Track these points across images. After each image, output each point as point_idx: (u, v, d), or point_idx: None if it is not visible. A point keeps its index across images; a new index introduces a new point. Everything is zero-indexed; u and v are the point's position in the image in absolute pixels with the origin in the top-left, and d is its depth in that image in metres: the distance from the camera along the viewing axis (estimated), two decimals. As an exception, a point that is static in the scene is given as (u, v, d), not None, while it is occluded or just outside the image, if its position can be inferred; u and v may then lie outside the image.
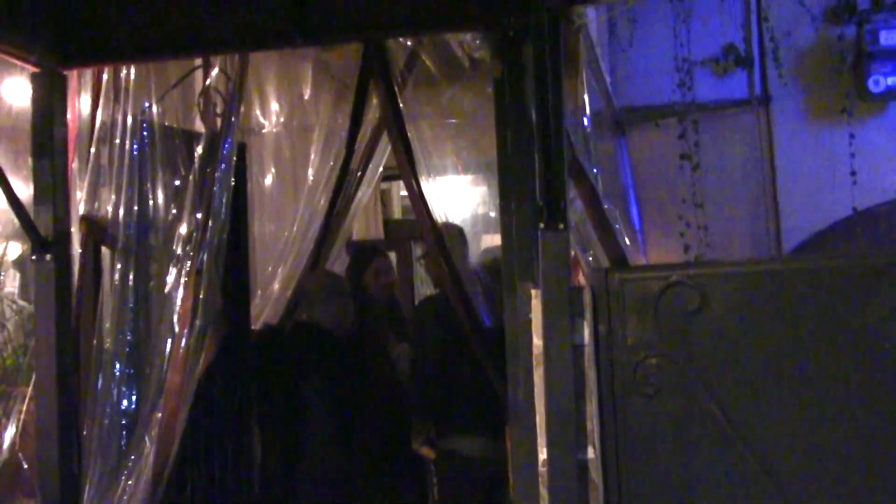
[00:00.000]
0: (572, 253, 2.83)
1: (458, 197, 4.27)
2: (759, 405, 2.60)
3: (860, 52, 4.47)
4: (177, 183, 3.31)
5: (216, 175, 3.24)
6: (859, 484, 2.50)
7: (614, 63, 4.32)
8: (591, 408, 2.69)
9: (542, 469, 2.68)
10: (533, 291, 2.71)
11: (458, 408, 4.11)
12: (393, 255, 6.41)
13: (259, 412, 4.00)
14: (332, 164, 4.28)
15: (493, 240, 4.97)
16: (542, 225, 2.61)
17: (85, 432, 3.12)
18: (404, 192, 6.71)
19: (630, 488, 2.65)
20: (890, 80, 4.48)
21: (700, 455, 2.62)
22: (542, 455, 2.67)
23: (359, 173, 4.23)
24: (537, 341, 2.69)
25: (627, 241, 3.21)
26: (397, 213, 6.99)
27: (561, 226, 2.59)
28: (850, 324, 2.58)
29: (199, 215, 3.20)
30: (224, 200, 3.25)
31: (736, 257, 4.42)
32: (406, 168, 3.85)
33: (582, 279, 3.09)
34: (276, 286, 4.21)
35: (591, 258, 3.04)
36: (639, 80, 4.54)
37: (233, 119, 3.36)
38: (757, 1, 4.62)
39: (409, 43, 4.08)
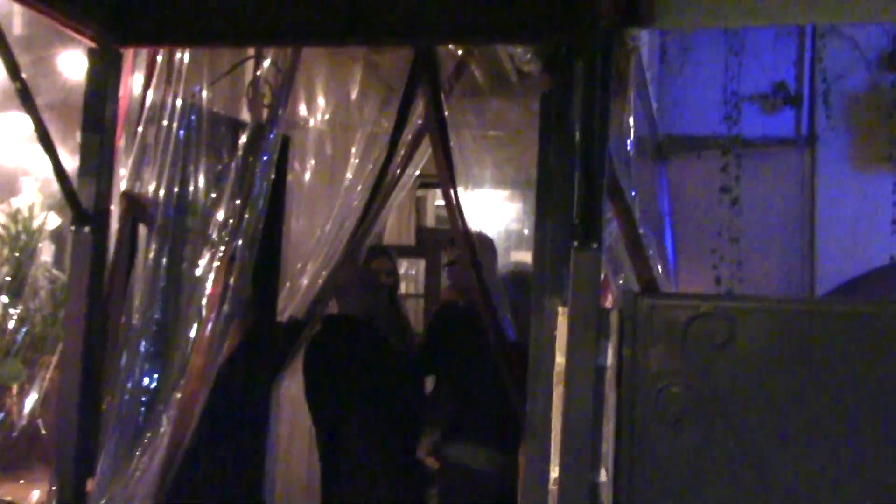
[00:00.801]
0: (603, 274, 2.82)
1: (492, 210, 4.27)
2: (779, 446, 2.57)
3: (909, 99, 4.44)
4: (219, 169, 3.35)
5: (258, 165, 3.28)
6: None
7: (662, 89, 4.30)
8: (608, 431, 2.67)
9: (552, 487, 2.66)
10: (560, 309, 2.70)
11: (472, 420, 4.11)
12: (422, 263, 6.45)
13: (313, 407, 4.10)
14: (371, 166, 4.31)
15: (523, 257, 4.97)
16: (575, 243, 2.60)
17: (105, 406, 3.14)
18: (439, 202, 6.77)
19: (640, 515, 2.62)
20: (936, 131, 4.44)
21: (714, 490, 2.59)
22: (554, 474, 2.66)
23: (397, 175, 4.24)
24: (560, 359, 2.68)
25: (660, 268, 3.20)
26: (431, 222, 7.01)
27: (595, 245, 2.59)
28: (880, 372, 2.54)
29: (237, 203, 3.23)
30: (263, 191, 3.28)
31: (767, 295, 4.37)
32: (445, 175, 3.87)
33: (610, 301, 3.08)
34: (305, 281, 4.23)
35: (621, 281, 3.03)
36: (686, 109, 4.52)
37: (280, 111, 3.39)
38: (812, 41, 4.59)
39: (458, 52, 4.11)
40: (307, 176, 4.60)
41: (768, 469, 2.56)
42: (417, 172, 4.36)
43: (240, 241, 3.21)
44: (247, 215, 3.23)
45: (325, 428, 4.20)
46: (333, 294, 4.21)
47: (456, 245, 4.21)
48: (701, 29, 4.36)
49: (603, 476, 2.65)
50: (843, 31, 4.45)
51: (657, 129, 4.14)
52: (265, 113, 3.64)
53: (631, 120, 3.01)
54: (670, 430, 2.62)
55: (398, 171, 4.22)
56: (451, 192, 3.85)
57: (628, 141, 2.99)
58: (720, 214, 4.43)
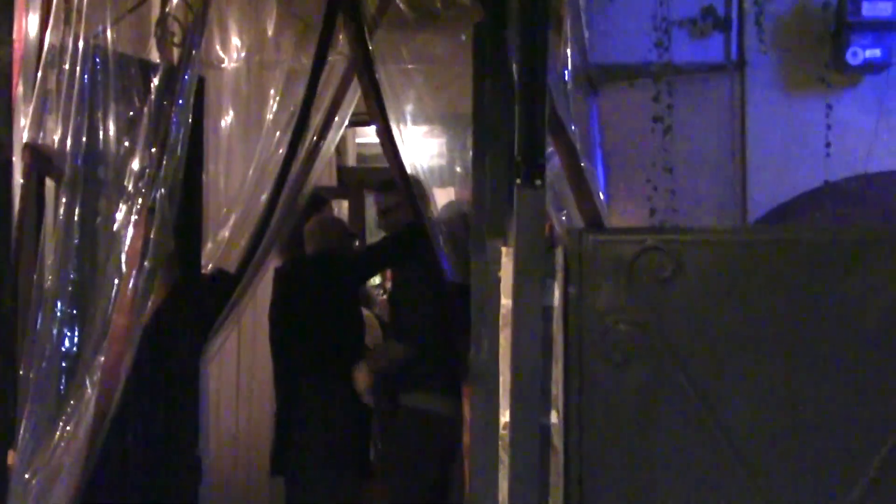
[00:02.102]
0: (546, 211, 2.73)
1: (416, 146, 4.14)
2: (728, 378, 2.55)
3: (841, 21, 4.41)
4: (130, 115, 3.12)
5: (174, 109, 3.06)
6: (825, 461, 2.47)
7: (591, 17, 4.18)
8: (557, 372, 2.62)
9: (503, 432, 2.60)
10: (503, 249, 2.61)
11: (426, 364, 4.05)
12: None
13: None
14: (293, 108, 4.10)
15: (447, 193, 4.87)
16: (518, 181, 2.49)
17: (21, 374, 2.95)
18: (360, 140, 6.61)
19: (591, 455, 2.59)
20: (868, 53, 4.43)
21: (665, 425, 2.56)
22: (504, 418, 2.60)
23: (327, 119, 4.05)
24: (506, 301, 2.59)
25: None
26: (352, 161, 6.87)
27: (538, 182, 2.49)
28: (826, 298, 2.53)
29: (153, 150, 3.02)
30: (181, 137, 3.07)
31: (702, 223, 4.37)
32: (377, 113, 3.71)
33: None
34: (227, 233, 4.05)
35: (563, 218, 2.95)
36: (615, 38, 4.42)
37: (194, 51, 3.16)
38: (739, -38, 4.53)
39: (380, -18, 3.92)
40: (224, 119, 4.37)
41: (716, 402, 2.54)
42: (350, 112, 4.18)
43: (159, 192, 3.01)
44: (165, 164, 3.02)
45: (282, 366, 4.25)
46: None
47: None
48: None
49: (554, 418, 2.60)
50: (770, -49, 4.39)
51: (588, 59, 4.03)
52: (176, 53, 3.41)
53: (568, 51, 2.89)
54: (619, 368, 2.58)
55: (326, 114, 4.02)
56: (384, 130, 3.69)
57: (566, 72, 2.87)
58: (653, 144, 4.37)
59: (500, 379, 2.61)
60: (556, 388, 2.60)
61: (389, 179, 4.19)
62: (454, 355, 3.85)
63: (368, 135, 5.81)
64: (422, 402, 4.05)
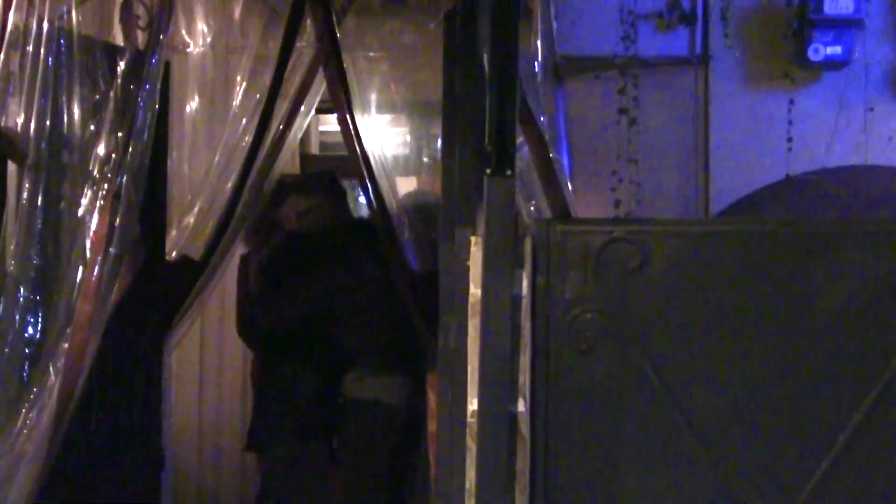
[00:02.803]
0: (515, 201, 2.74)
1: (379, 134, 4.13)
2: (692, 367, 2.59)
3: (803, 19, 4.49)
4: (96, 99, 3.07)
5: (140, 94, 3.03)
6: (788, 447, 2.52)
7: (558, 8, 4.21)
8: (525, 361, 2.64)
9: (470, 420, 2.62)
10: (473, 238, 2.62)
11: (375, 352, 4.03)
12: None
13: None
14: (259, 95, 4.06)
15: (408, 182, 4.87)
16: (489, 170, 2.50)
17: (-17, 361, 2.91)
18: (323, 127, 6.57)
19: (558, 444, 2.61)
20: (829, 50, 4.51)
21: (630, 414, 2.59)
22: (472, 406, 2.61)
23: (293, 107, 4.02)
24: (474, 290, 2.61)
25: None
26: (315, 149, 6.82)
27: (508, 172, 2.50)
28: (787, 289, 2.58)
29: (119, 135, 2.98)
30: (147, 122, 3.05)
31: (665, 215, 4.43)
32: (341, 101, 3.70)
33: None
34: (192, 220, 4.00)
35: (532, 208, 2.97)
36: (582, 29, 4.45)
37: (161, 36, 3.13)
38: (705, -43, 4.59)
39: (349, -31, 3.90)
40: (189, 105, 4.31)
41: (681, 390, 2.58)
42: (317, 100, 4.15)
43: (124, 177, 2.98)
44: (131, 149, 3.00)
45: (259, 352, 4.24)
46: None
47: (308, 192, 4.10)
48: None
49: (521, 407, 2.62)
50: (735, -54, 4.46)
51: (555, 49, 4.06)
52: (141, 36, 3.37)
53: (539, 42, 2.91)
54: (585, 358, 2.60)
55: (293, 102, 3.99)
56: (349, 118, 3.68)
57: (536, 64, 2.89)
58: (619, 136, 4.42)
59: (468, 367, 2.62)
60: (524, 377, 2.62)
61: (305, 179, 4.19)
62: (404, 343, 3.85)
63: (331, 122, 5.77)
64: (366, 391, 4.00)
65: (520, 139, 2.74)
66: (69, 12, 3.08)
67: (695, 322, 2.59)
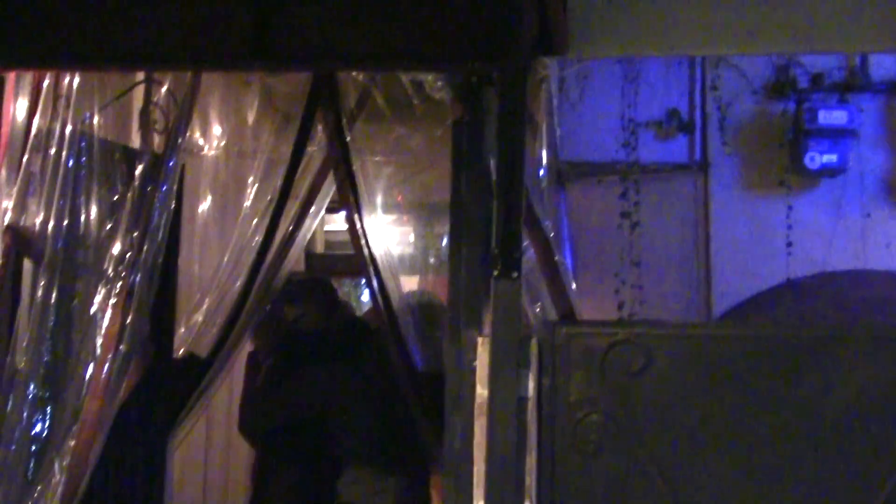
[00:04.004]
0: (520, 303, 2.79)
1: (384, 234, 4.22)
2: (696, 469, 2.59)
3: (798, 128, 4.63)
4: (113, 199, 3.16)
5: (157, 195, 3.11)
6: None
7: (561, 117, 4.35)
8: (531, 462, 2.64)
9: (476, 523, 2.60)
10: (479, 339, 2.66)
11: (369, 456, 4.00)
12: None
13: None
14: (270, 196, 4.16)
15: (411, 281, 4.92)
16: (495, 272, 2.56)
17: (-11, 457, 2.91)
18: (328, 227, 6.68)
19: (564, 546, 2.59)
20: (825, 158, 4.64)
21: (636, 518, 2.58)
22: (478, 508, 2.60)
23: (303, 206, 4.12)
24: (481, 391, 2.63)
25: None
26: (320, 248, 6.91)
27: (514, 274, 2.56)
28: (789, 392, 2.60)
29: (134, 235, 3.06)
30: (163, 222, 3.12)
31: (668, 317, 4.47)
32: (350, 202, 3.79)
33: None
34: (200, 317, 4.05)
35: (538, 309, 3.01)
36: (584, 136, 4.59)
37: (179, 140, 3.23)
38: (702, 70, 4.75)
39: (360, 77, 4.04)
40: (202, 205, 4.42)
41: (686, 492, 2.58)
42: (326, 202, 4.25)
43: (138, 276, 3.03)
44: (146, 248, 3.06)
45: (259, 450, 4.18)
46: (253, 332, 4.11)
47: (293, 302, 4.17)
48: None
49: (527, 509, 2.61)
50: (730, 60, 4.62)
51: (558, 155, 4.18)
52: (157, 140, 3.48)
53: (543, 149, 3.01)
54: (590, 459, 2.61)
55: (304, 201, 4.09)
56: (357, 219, 3.76)
57: (541, 170, 2.98)
58: (621, 239, 4.51)
59: (474, 469, 2.62)
60: (530, 479, 2.62)
61: (292, 289, 4.26)
62: (398, 444, 3.83)
63: (336, 222, 5.88)
64: (357, 497, 3.96)
65: (525, 242, 2.80)
66: (91, 117, 3.19)
67: (698, 424, 2.60)
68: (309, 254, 6.24)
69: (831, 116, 4.61)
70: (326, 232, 6.90)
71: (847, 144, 4.72)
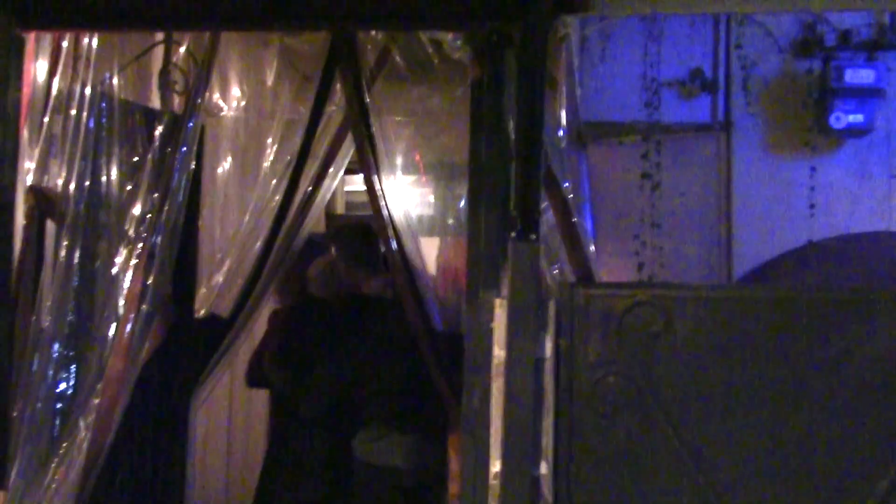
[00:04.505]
0: (540, 264, 2.78)
1: (403, 196, 4.21)
2: (715, 431, 2.60)
3: (824, 87, 4.55)
4: (134, 160, 3.18)
5: (176, 156, 3.13)
6: (812, 515, 2.51)
7: (582, 76, 4.30)
8: (548, 423, 2.65)
9: (493, 482, 2.63)
10: (497, 301, 2.66)
11: (384, 415, 4.01)
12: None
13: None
14: (289, 157, 4.16)
15: (434, 243, 4.91)
16: (513, 234, 2.56)
17: (16, 414, 2.96)
18: (349, 187, 6.68)
19: (581, 506, 2.62)
20: (851, 118, 4.56)
21: (653, 477, 2.60)
22: (495, 468, 2.63)
23: (322, 169, 4.11)
24: (498, 352, 2.64)
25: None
26: (340, 209, 6.91)
27: (533, 236, 2.55)
28: (810, 355, 2.59)
29: (155, 196, 3.08)
30: (183, 183, 3.14)
31: (688, 279, 4.45)
32: (368, 163, 3.78)
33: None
34: (221, 278, 4.07)
35: (556, 272, 3.01)
36: (606, 96, 4.54)
37: (198, 100, 3.24)
38: (727, 28, 4.68)
39: (379, 37, 4.01)
40: (222, 166, 4.42)
41: (704, 454, 2.59)
42: (346, 162, 4.24)
43: (159, 237, 3.06)
44: (166, 209, 3.08)
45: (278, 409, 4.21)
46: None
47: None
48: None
49: (544, 469, 2.63)
50: (755, 17, 4.54)
51: (579, 116, 4.14)
52: (176, 100, 3.48)
53: (563, 109, 2.98)
54: (608, 421, 2.62)
55: (324, 161, 4.08)
56: (377, 180, 3.75)
57: (561, 130, 2.96)
58: (642, 200, 4.48)
59: (491, 429, 2.64)
60: (547, 439, 2.64)
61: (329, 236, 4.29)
62: (415, 404, 3.83)
63: (357, 183, 5.87)
64: (372, 455, 3.98)
65: (544, 204, 2.79)
66: (111, 78, 3.20)
67: (717, 386, 2.61)
68: (329, 214, 6.25)
69: (858, 75, 4.53)
70: (347, 192, 6.90)
71: (874, 104, 4.63)
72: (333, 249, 4.35)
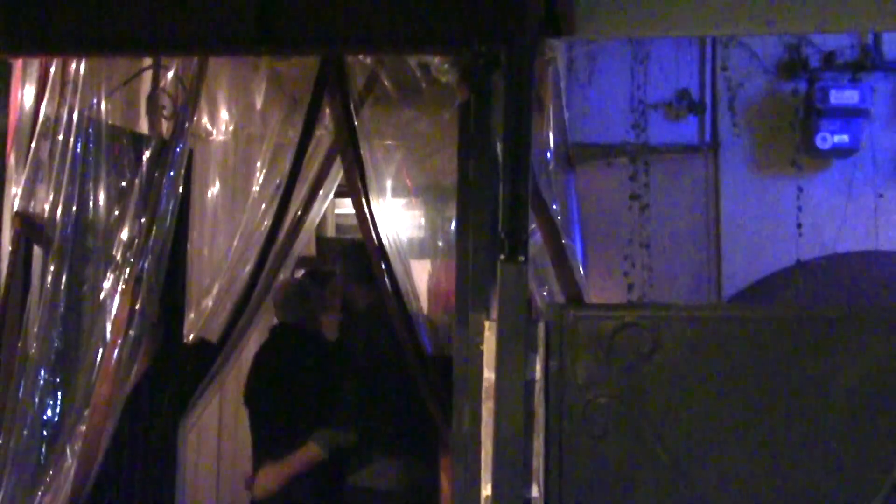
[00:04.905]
0: (528, 286, 2.78)
1: (393, 218, 4.22)
2: (705, 451, 2.59)
3: (809, 108, 4.60)
4: (122, 185, 3.17)
5: (164, 181, 3.12)
6: (802, 536, 2.51)
7: (570, 98, 4.33)
8: (538, 445, 2.65)
9: (483, 505, 2.61)
10: (486, 323, 2.66)
11: (375, 439, 3.99)
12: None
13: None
14: (278, 180, 4.16)
15: (424, 265, 4.91)
16: (502, 256, 2.56)
17: (1, 441, 2.93)
18: (339, 210, 6.68)
19: (572, 529, 2.60)
20: (836, 138, 4.60)
21: (644, 498, 2.59)
22: (486, 491, 2.61)
23: (312, 189, 4.12)
24: (488, 374, 2.64)
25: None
26: (330, 231, 6.91)
27: (521, 258, 2.55)
28: (798, 374, 2.60)
29: (143, 221, 3.07)
30: (171, 207, 3.13)
31: (678, 299, 4.46)
32: (357, 186, 3.78)
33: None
34: (210, 302, 4.06)
35: (545, 293, 3.01)
36: (593, 118, 4.57)
37: (186, 125, 3.24)
38: (713, 50, 4.72)
39: (368, 61, 4.03)
40: (210, 190, 4.42)
41: (694, 474, 2.58)
42: (335, 186, 4.25)
43: (146, 262, 3.05)
44: (154, 233, 3.07)
45: (261, 437, 4.19)
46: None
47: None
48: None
49: (535, 492, 2.62)
50: (741, 40, 4.59)
51: (567, 138, 4.16)
52: (165, 125, 3.49)
53: (550, 132, 3.00)
54: (598, 442, 2.62)
55: (312, 188, 4.08)
56: (365, 203, 3.76)
57: (548, 153, 2.97)
58: (630, 221, 4.50)
59: (482, 452, 2.63)
60: (538, 461, 2.63)
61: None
62: (405, 427, 3.82)
63: (347, 205, 5.88)
64: (368, 478, 3.95)
65: (532, 225, 2.80)
66: (99, 103, 3.20)
67: (707, 406, 2.61)
68: (319, 237, 6.25)
69: (843, 96, 4.57)
70: (337, 215, 6.91)
71: (859, 125, 4.68)
72: (339, 268, 4.36)
